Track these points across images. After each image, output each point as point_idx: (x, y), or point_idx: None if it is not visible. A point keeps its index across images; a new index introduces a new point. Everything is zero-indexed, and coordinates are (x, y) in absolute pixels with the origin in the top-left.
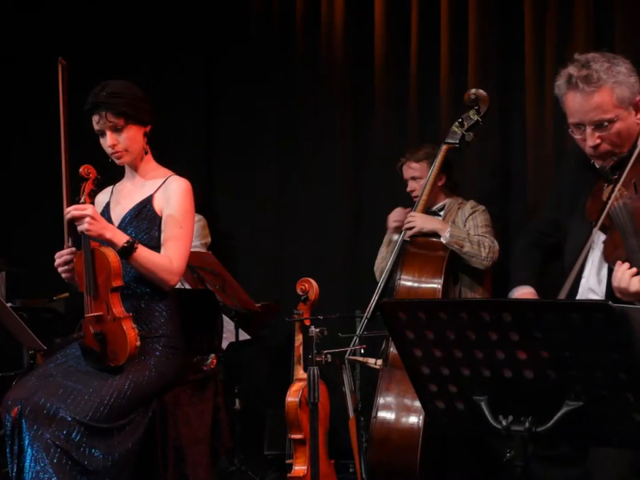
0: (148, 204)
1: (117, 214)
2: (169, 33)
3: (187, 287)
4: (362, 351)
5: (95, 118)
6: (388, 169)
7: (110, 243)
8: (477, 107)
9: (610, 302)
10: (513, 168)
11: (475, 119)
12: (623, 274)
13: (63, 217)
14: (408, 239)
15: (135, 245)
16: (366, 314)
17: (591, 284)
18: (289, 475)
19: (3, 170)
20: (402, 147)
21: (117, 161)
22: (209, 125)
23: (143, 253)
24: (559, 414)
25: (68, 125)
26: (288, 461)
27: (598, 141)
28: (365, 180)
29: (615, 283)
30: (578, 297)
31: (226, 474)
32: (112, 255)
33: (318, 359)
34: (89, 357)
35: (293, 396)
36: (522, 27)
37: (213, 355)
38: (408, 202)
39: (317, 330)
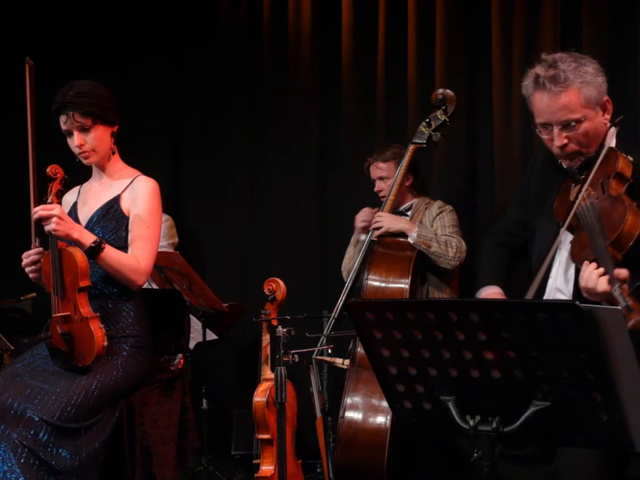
0: (115, 204)
1: (84, 214)
2: (136, 33)
3: (155, 286)
4: (329, 351)
5: (62, 118)
6: (355, 169)
7: (77, 243)
8: (444, 107)
9: (577, 302)
10: (480, 168)
11: (443, 119)
12: (590, 274)
13: (30, 217)
14: (375, 239)
15: (103, 245)
16: (333, 314)
17: (559, 284)
18: (256, 474)
19: None
20: (369, 147)
21: (85, 161)
22: (176, 125)
23: (110, 253)
24: (526, 414)
25: (35, 125)
26: (255, 461)
27: (565, 141)
28: (332, 180)
29: (582, 283)
30: (545, 297)
31: (193, 474)
32: (79, 255)
33: (285, 359)
34: (57, 357)
35: (260, 396)
36: (489, 27)
37: (180, 355)
38: (375, 202)
39: (285, 330)
